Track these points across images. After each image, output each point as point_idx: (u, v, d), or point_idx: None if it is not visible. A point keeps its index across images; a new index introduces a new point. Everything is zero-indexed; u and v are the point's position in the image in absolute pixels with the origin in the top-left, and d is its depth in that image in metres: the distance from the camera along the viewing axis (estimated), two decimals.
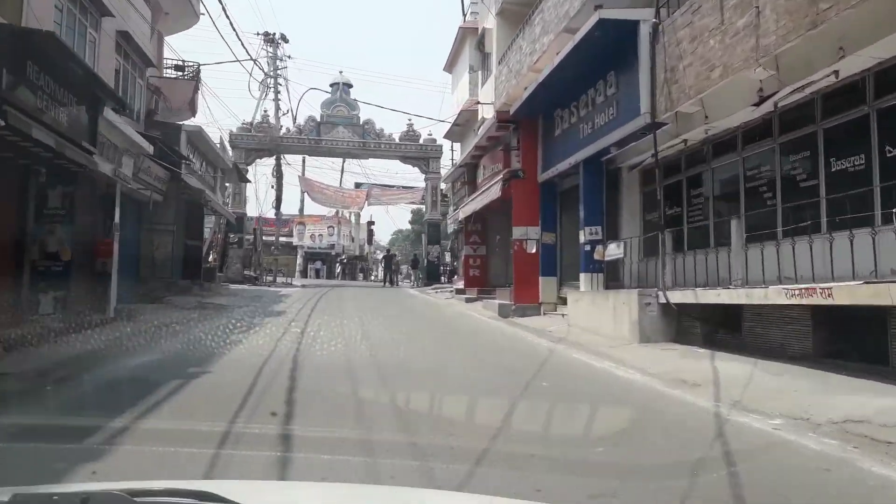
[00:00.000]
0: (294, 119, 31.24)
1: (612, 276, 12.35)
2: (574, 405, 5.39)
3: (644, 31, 9.65)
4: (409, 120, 31.40)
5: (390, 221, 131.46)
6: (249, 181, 28.60)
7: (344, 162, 37.62)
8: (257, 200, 40.89)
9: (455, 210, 24.02)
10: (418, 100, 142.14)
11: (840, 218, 6.59)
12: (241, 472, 3.38)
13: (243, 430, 4.23)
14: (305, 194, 37.87)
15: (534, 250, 15.04)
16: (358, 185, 37.82)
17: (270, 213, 31.61)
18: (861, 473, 3.60)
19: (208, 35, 75.85)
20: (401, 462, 3.61)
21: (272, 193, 30.43)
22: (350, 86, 31.70)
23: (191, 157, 18.03)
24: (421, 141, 31.06)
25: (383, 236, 62.86)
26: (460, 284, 21.86)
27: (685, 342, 8.89)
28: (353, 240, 50.63)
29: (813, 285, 6.27)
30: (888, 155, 6.52)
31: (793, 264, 6.92)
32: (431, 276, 30.80)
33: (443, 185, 30.85)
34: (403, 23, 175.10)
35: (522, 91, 14.56)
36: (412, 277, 34.59)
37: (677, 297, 8.86)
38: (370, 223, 45.67)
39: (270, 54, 30.47)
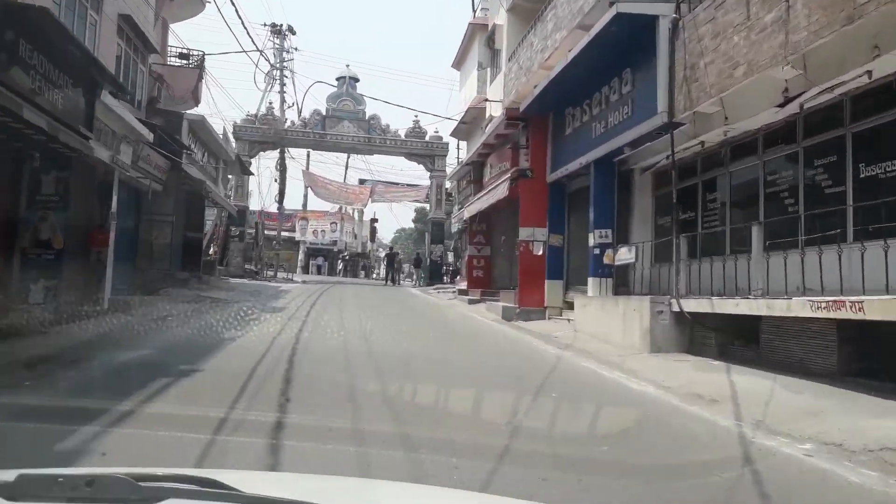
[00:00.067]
0: (299, 112, 30.89)
1: (620, 282, 11.97)
2: (586, 420, 5.02)
3: (663, 27, 9.26)
4: (416, 116, 31.00)
5: (393, 219, 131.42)
6: (252, 174, 28.32)
7: (348, 157, 37.34)
8: (260, 194, 40.56)
9: (460, 209, 23.66)
10: (425, 96, 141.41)
11: (874, 227, 6.20)
12: None
13: (226, 442, 3.89)
14: (309, 189, 37.55)
15: (540, 252, 14.68)
16: (362, 182, 37.48)
17: (273, 208, 31.30)
18: None
19: (215, 24, 75.70)
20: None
21: (275, 187, 30.18)
22: (357, 80, 31.37)
23: (192, 146, 17.67)
24: (427, 138, 30.72)
25: (386, 234, 62.56)
26: (463, 285, 21.50)
27: (698, 353, 8.52)
28: (355, 237, 50.27)
29: (842, 298, 5.89)
30: None
31: (819, 275, 6.53)
32: (434, 275, 30.45)
33: (448, 184, 30.48)
34: (412, 18, 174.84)
35: (532, 89, 14.20)
36: (414, 276, 34.25)
37: (692, 305, 8.49)
38: (373, 220, 45.37)
39: (277, 46, 30.17)
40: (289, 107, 30.79)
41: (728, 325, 8.25)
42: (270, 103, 30.13)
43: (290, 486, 1.77)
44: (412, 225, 58.48)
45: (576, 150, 13.07)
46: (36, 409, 4.56)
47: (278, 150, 29.57)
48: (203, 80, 19.19)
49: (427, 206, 35.30)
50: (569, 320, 12.57)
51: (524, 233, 14.82)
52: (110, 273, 12.06)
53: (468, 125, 26.64)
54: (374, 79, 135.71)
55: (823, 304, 6.08)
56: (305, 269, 43.72)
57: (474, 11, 25.24)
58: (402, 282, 35.14)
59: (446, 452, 3.78)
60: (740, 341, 8.19)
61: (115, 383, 5.70)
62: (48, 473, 1.26)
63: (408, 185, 36.94)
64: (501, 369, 7.41)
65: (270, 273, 28.59)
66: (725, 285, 8.36)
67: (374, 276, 49.22)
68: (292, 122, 30.01)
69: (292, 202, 52.50)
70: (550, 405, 5.47)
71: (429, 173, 31.12)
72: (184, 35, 29.17)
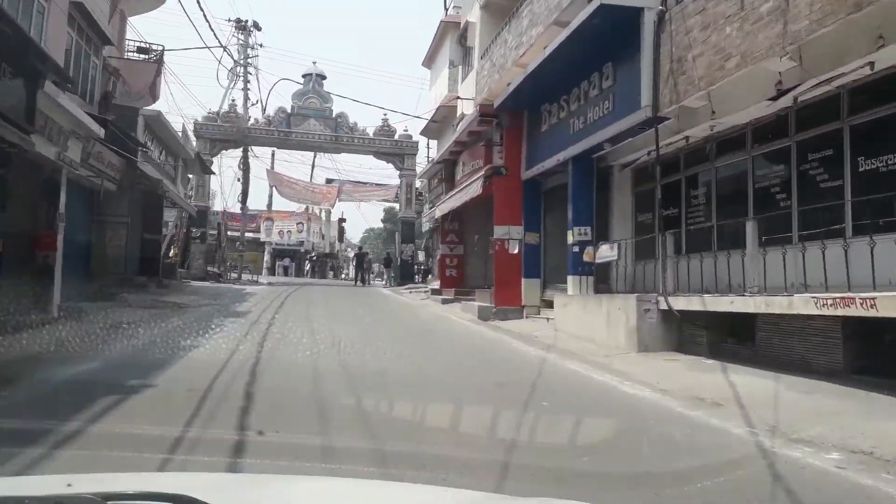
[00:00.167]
0: (263, 110, 29.93)
1: (600, 279, 11.62)
2: (586, 431, 4.54)
3: (648, 19, 8.94)
4: (385, 115, 30.26)
5: (362, 219, 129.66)
6: (213, 173, 27.28)
7: (315, 156, 36.48)
8: (222, 194, 39.25)
9: (431, 208, 23.12)
10: (395, 95, 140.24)
11: (884, 220, 5.87)
12: None
13: (183, 463, 3.32)
14: (274, 189, 36.54)
15: (516, 251, 14.27)
16: (329, 181, 36.62)
17: (236, 208, 30.26)
18: None
19: (177, 19, 73.55)
20: None
21: (238, 187, 29.17)
22: (324, 77, 30.55)
23: (149, 144, 16.75)
24: (396, 137, 30.10)
25: (355, 234, 61.69)
26: (436, 285, 20.98)
27: (688, 352, 8.16)
28: (323, 237, 49.34)
29: (850, 295, 5.54)
30: None
31: (820, 271, 6.19)
32: (405, 275, 29.85)
33: (418, 183, 29.93)
34: (382, 16, 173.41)
35: (506, 86, 13.80)
36: (385, 276, 33.58)
37: (681, 303, 8.12)
38: (341, 220, 44.47)
39: (241, 42, 29.19)
40: (253, 104, 29.88)
41: (720, 322, 7.91)
42: (233, 100, 29.15)
43: (266, 488, 1.68)
44: (381, 225, 57.73)
45: (552, 147, 12.68)
46: None
47: (241, 149, 28.60)
48: (162, 76, 18.31)
49: (396, 205, 34.66)
50: (547, 319, 12.16)
51: (499, 231, 14.37)
52: (59, 279, 11.19)
53: (439, 124, 26.14)
54: (342, 77, 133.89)
55: (829, 302, 5.73)
56: (272, 271, 42.64)
57: (446, 9, 24.82)
58: (372, 282, 34.43)
59: (432, 468, 3.30)
60: (734, 339, 7.86)
61: (59, 401, 5.05)
62: (13, 495, 1.24)
63: (376, 184, 36.22)
64: (484, 375, 6.91)
65: (234, 275, 27.64)
66: (718, 282, 8.00)
67: (343, 276, 48.31)
68: (256, 120, 29.05)
69: (257, 202, 51.41)
70: (544, 415, 4.99)
71: (398, 172, 30.48)
72: (144, 30, 28.17)
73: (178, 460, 3.47)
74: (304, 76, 30.14)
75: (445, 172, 20.79)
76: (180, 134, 20.95)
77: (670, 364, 7.54)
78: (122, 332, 9.35)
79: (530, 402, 5.45)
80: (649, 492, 3.30)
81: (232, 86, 29.12)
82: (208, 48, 54.00)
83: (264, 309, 13.87)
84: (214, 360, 6.75)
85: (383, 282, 33.25)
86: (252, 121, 28.87)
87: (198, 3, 33.39)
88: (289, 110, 29.24)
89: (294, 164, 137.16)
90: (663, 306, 8.37)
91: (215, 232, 28.80)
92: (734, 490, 3.42)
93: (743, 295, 7.17)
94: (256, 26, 29.54)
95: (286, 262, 45.04)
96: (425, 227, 28.21)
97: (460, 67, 22.59)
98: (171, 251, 23.18)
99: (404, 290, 24.43)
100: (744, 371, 6.84)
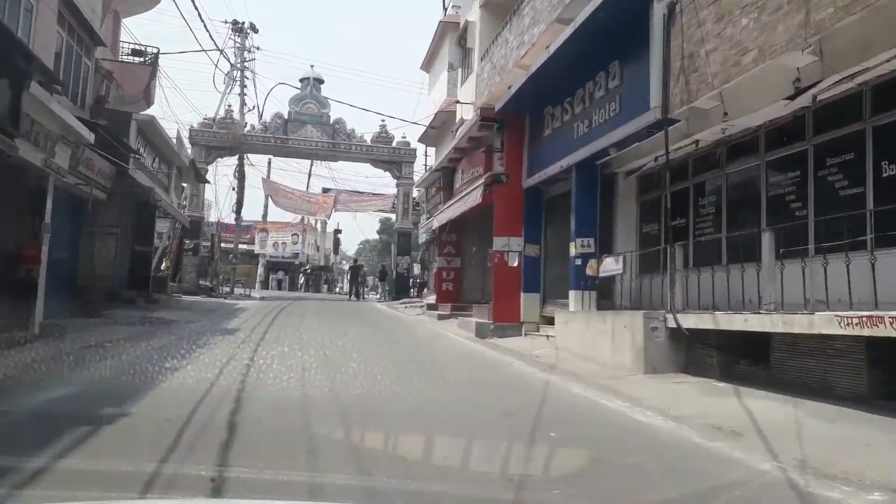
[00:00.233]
0: (260, 115, 29.53)
1: (602, 294, 11.18)
2: (604, 471, 4.10)
3: (658, 12, 8.45)
4: (383, 121, 29.83)
5: (357, 230, 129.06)
6: (208, 181, 26.91)
7: (312, 164, 36.08)
8: (216, 204, 38.78)
9: (429, 218, 22.72)
10: (393, 100, 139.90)
11: None
12: None
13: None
14: (269, 199, 36.12)
15: (515, 263, 13.84)
16: (326, 191, 36.22)
17: (231, 219, 29.80)
18: None
19: (173, 21, 73.33)
20: None
21: (233, 196, 28.74)
22: (321, 82, 30.19)
23: (141, 150, 16.31)
24: (394, 144, 29.73)
25: (350, 246, 61.12)
26: (432, 299, 20.53)
27: (698, 374, 7.73)
28: (318, 249, 48.87)
29: (880, 313, 5.14)
30: None
31: (847, 285, 5.79)
32: (401, 289, 29.38)
33: (415, 192, 29.53)
34: (381, 18, 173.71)
35: (506, 89, 13.43)
36: (379, 290, 33.13)
37: (691, 321, 7.70)
38: (337, 231, 44.00)
39: (238, 45, 28.84)
40: (249, 110, 29.47)
41: (732, 342, 7.49)
42: (230, 106, 28.72)
43: None
44: (377, 236, 57.29)
45: (555, 153, 12.26)
46: None
47: (237, 157, 28.17)
48: (156, 79, 17.88)
49: (393, 216, 34.24)
50: (547, 336, 11.72)
51: (498, 242, 13.96)
52: (42, 294, 10.74)
53: (437, 130, 25.79)
54: (339, 81, 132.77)
55: (855, 321, 5.32)
56: (265, 284, 42.14)
57: (445, 9, 24.43)
58: (367, 296, 33.96)
59: None
60: (747, 360, 7.43)
61: (25, 433, 4.60)
62: None
63: (373, 193, 35.82)
64: (486, 402, 6.44)
65: (227, 289, 27.17)
66: (731, 297, 7.60)
67: (338, 290, 47.81)
68: (252, 127, 28.64)
69: (251, 213, 50.93)
70: (556, 450, 4.55)
71: (395, 181, 30.07)
72: (139, 32, 27.83)
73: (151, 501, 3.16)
74: (301, 80, 29.77)
75: (444, 181, 20.42)
76: (174, 140, 20.53)
77: (680, 387, 7.12)
78: (103, 352, 8.90)
79: (537, 435, 5.01)
80: None
81: (228, 90, 28.77)
82: (204, 51, 53.81)
83: (255, 325, 13.42)
84: (197, 386, 6.32)
85: (378, 296, 32.81)
86: (248, 127, 28.48)
87: (193, 3, 33.15)
88: (286, 116, 28.87)
89: (291, 172, 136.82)
90: (672, 324, 7.95)
91: (208, 244, 28.33)
92: None
93: (758, 312, 6.76)
94: (253, 28, 29.24)
95: (280, 275, 44.53)
96: (422, 238, 27.77)
97: (460, 70, 22.27)
98: (163, 264, 22.73)
99: (399, 305, 23.96)
100: (759, 395, 6.43)
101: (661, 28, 8.42)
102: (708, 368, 7.69)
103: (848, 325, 5.42)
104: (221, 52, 26.83)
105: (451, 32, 22.68)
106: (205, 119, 27.67)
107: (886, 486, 3.72)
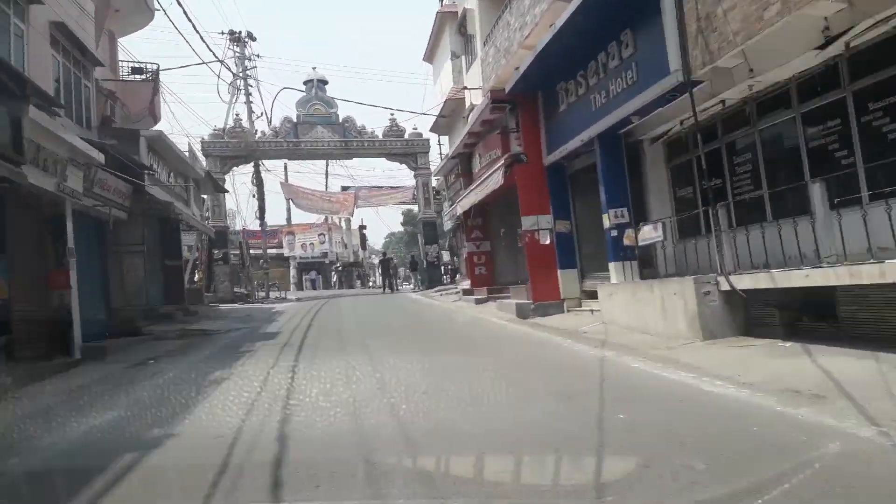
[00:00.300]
0: (269, 121, 29.48)
1: (644, 263, 10.85)
2: (689, 456, 3.73)
3: None
4: (392, 115, 29.56)
5: (382, 224, 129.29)
6: (227, 191, 26.90)
7: (327, 164, 35.98)
8: (238, 212, 38.97)
9: (452, 205, 22.41)
10: (400, 93, 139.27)
11: None
12: None
13: None
14: (291, 202, 36.13)
15: (548, 241, 13.50)
16: (345, 189, 36.10)
17: (255, 225, 29.85)
18: None
19: (171, 38, 73.67)
20: None
21: (254, 203, 28.74)
22: (325, 82, 30.00)
23: (155, 166, 16.26)
24: (406, 136, 29.48)
25: (377, 240, 61.30)
26: (466, 285, 20.29)
27: (761, 335, 7.38)
28: (346, 246, 48.95)
29: None
30: None
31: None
32: (433, 277, 29.26)
33: (434, 181, 29.26)
34: (378, 13, 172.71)
35: (513, 71, 13.05)
36: (412, 280, 33.00)
37: (746, 282, 7.33)
38: (362, 227, 44.01)
39: (238, 54, 28.71)
40: (257, 117, 29.45)
41: (791, 300, 7.10)
42: (237, 115, 28.70)
43: None
44: (401, 228, 57.16)
45: (574, 127, 11.89)
46: None
47: (252, 164, 28.17)
48: (160, 95, 17.83)
49: (415, 207, 34.01)
50: (591, 311, 11.41)
51: (527, 222, 13.63)
52: (78, 318, 10.73)
53: (448, 118, 25.45)
54: (343, 81, 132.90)
55: None
56: (299, 286, 42.40)
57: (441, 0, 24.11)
58: (400, 287, 33.84)
59: None
60: (810, 317, 7.04)
61: (69, 470, 4.37)
62: None
63: (392, 187, 35.59)
64: (542, 386, 6.09)
65: (262, 294, 27.26)
66: (784, 255, 7.20)
67: (371, 284, 47.91)
68: (263, 133, 28.61)
69: (275, 217, 51.17)
70: (630, 436, 4.25)
71: (413, 172, 29.85)
72: (137, 52, 27.85)
73: None
74: (305, 83, 29.65)
75: (462, 166, 20.08)
76: (187, 154, 20.49)
77: (745, 351, 6.78)
78: (147, 370, 8.83)
79: (605, 418, 4.71)
80: None
81: (234, 100, 28.70)
82: (205, 63, 53.84)
83: (294, 328, 13.31)
84: (242, 397, 6.16)
85: (411, 286, 32.67)
86: (259, 134, 28.46)
87: (186, 16, 33.10)
88: (295, 119, 28.80)
89: (307, 174, 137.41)
90: (724, 287, 7.60)
91: (238, 252, 28.45)
92: None
93: (819, 266, 6.36)
94: (251, 37, 29.07)
95: (312, 275, 44.74)
96: (447, 225, 27.52)
97: (463, 58, 21.92)
98: (196, 275, 22.83)
99: (434, 294, 23.78)
100: (832, 353, 6.06)
101: None
102: (770, 329, 7.34)
103: None
104: (222, 62, 26.77)
105: (451, 21, 22.36)
106: (214, 130, 27.69)
107: None
